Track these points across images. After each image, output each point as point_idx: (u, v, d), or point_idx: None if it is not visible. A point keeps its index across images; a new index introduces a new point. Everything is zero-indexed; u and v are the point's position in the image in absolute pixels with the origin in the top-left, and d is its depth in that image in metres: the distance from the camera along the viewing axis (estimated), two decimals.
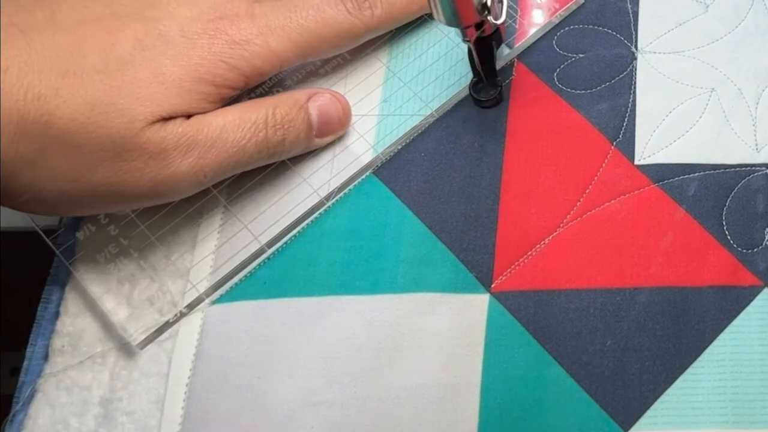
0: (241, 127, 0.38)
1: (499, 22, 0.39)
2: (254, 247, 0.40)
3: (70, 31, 0.36)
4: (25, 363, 0.40)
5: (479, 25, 0.39)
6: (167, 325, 0.39)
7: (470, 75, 0.43)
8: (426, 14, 0.45)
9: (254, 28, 0.39)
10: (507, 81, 0.43)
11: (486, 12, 0.39)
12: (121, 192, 0.37)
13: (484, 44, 0.41)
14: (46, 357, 0.40)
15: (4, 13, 0.36)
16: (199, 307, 0.40)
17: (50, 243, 0.41)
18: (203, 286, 0.40)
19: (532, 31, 0.44)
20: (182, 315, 0.40)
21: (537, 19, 0.44)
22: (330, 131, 0.42)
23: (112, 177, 0.36)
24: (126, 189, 0.37)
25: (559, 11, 0.44)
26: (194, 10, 0.38)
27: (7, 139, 0.34)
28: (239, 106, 0.39)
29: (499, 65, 0.43)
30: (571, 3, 0.45)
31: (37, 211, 0.38)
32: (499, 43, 0.42)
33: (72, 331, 0.40)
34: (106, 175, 0.36)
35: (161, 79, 0.37)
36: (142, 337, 0.39)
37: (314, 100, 0.41)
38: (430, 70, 0.44)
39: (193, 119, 0.38)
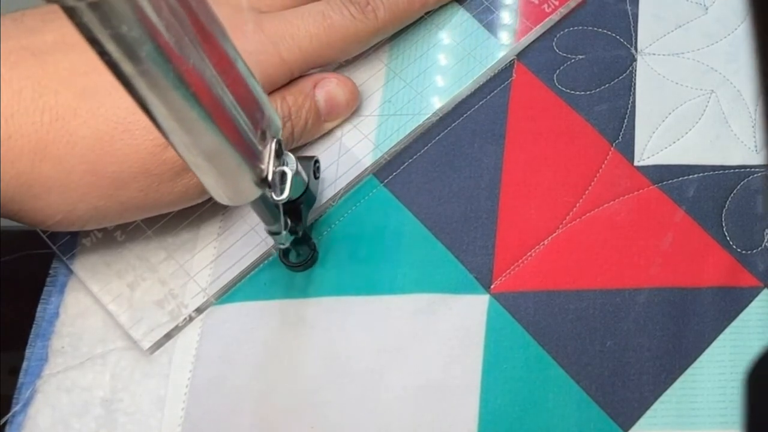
0: None
1: (281, 198, 0.34)
2: (261, 249, 0.40)
3: (83, 51, 0.36)
4: (25, 364, 0.40)
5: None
6: (177, 329, 0.39)
7: (471, 74, 0.43)
8: (426, 14, 0.45)
9: (265, 38, 0.39)
10: (499, 88, 0.43)
11: (267, 186, 0.33)
12: (154, 203, 0.37)
13: (290, 210, 0.38)
14: (45, 358, 0.40)
15: (14, 37, 0.36)
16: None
17: (57, 251, 0.41)
18: (212, 290, 0.40)
19: (532, 28, 0.44)
20: (191, 319, 0.40)
21: (537, 16, 0.44)
22: (338, 115, 0.42)
23: (144, 190, 0.37)
24: (158, 200, 0.37)
25: (559, 8, 0.44)
26: None
27: (27, 161, 0.35)
28: None
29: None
30: (570, 0, 0.45)
31: (70, 229, 0.38)
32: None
33: (72, 332, 0.40)
34: (139, 189, 0.36)
35: None
36: (152, 342, 0.39)
37: (321, 87, 0.41)
38: (432, 70, 0.44)
39: None
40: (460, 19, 0.45)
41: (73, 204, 0.36)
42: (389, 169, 0.42)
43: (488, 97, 0.43)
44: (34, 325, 0.40)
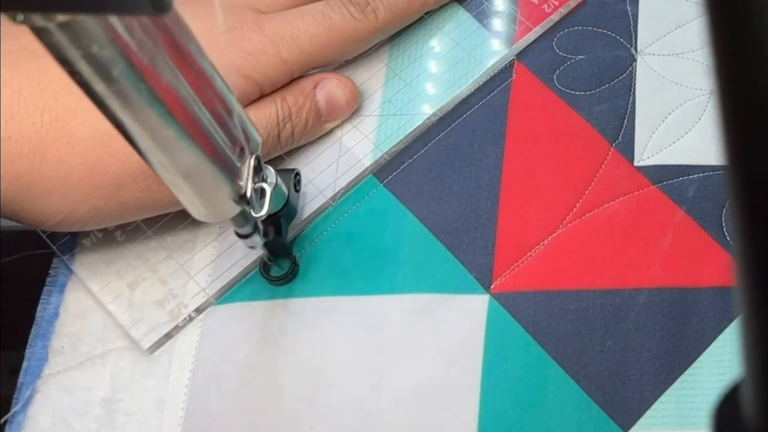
0: (258, 126, 0.39)
1: (260, 214, 0.34)
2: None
3: None
4: (25, 364, 0.40)
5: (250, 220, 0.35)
6: (177, 329, 0.39)
7: (471, 74, 0.43)
8: (426, 14, 0.45)
9: (265, 38, 0.39)
10: (499, 88, 0.43)
11: (245, 203, 0.33)
12: (154, 203, 0.37)
13: (268, 225, 0.37)
14: (45, 358, 0.40)
15: (14, 37, 0.36)
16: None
17: (57, 251, 0.41)
18: (212, 290, 0.40)
19: (532, 29, 0.44)
20: (191, 319, 0.40)
21: (537, 16, 0.44)
22: (338, 115, 0.42)
23: (144, 191, 0.37)
24: (159, 200, 0.37)
25: (559, 8, 0.44)
26: (204, 23, 0.38)
27: (27, 162, 0.35)
28: (251, 104, 0.39)
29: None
30: (570, 0, 0.45)
31: (71, 230, 0.38)
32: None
33: (72, 332, 0.40)
34: (139, 189, 0.36)
35: None
36: (152, 341, 0.39)
37: (321, 87, 0.41)
38: (432, 70, 0.44)
39: None
40: (460, 19, 0.45)
41: (73, 205, 0.36)
42: (389, 169, 0.42)
43: (488, 97, 0.43)
44: (34, 325, 0.40)
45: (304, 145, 0.42)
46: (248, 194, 0.33)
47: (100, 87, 0.25)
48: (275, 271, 0.40)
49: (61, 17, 0.22)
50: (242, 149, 0.33)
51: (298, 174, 0.39)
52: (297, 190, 0.39)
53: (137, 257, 0.41)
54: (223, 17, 0.39)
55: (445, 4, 0.45)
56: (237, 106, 0.32)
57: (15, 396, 0.39)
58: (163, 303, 0.40)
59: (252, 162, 0.33)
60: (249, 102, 0.39)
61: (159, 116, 0.27)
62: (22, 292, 0.41)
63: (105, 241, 0.41)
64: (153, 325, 0.39)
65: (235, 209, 0.33)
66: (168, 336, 0.39)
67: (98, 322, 0.40)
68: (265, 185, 0.34)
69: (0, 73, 0.35)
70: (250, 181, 0.33)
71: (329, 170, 0.42)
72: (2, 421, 0.38)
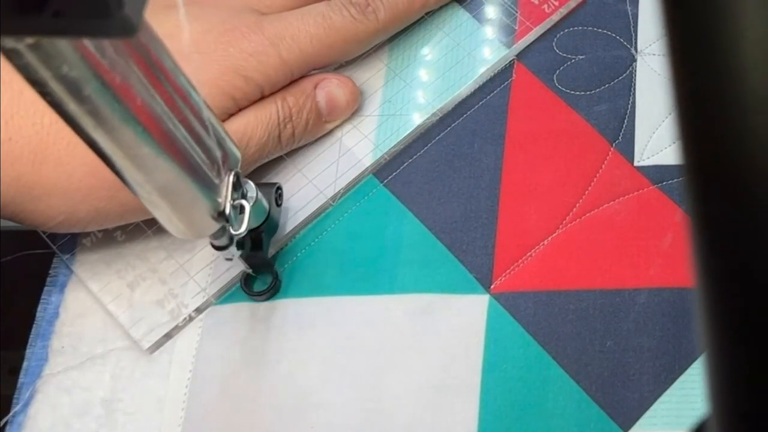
0: (259, 126, 0.39)
1: (239, 231, 0.34)
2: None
3: None
4: (25, 364, 0.40)
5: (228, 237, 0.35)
6: (176, 329, 0.39)
7: (471, 74, 0.43)
8: (426, 14, 0.45)
9: (265, 39, 0.39)
10: (499, 88, 0.43)
11: (224, 220, 0.33)
12: None
13: (249, 240, 0.37)
14: (45, 358, 0.40)
15: None
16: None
17: (57, 251, 0.41)
18: (212, 289, 0.40)
19: (532, 29, 0.44)
20: (191, 319, 0.40)
21: (537, 16, 0.44)
22: (338, 115, 0.42)
23: None
24: None
25: (559, 9, 0.44)
26: (205, 25, 0.38)
27: (28, 163, 0.35)
28: (251, 105, 0.39)
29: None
30: (570, 1, 0.45)
31: (72, 231, 0.38)
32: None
33: (72, 332, 0.40)
34: None
35: None
36: (152, 341, 0.39)
37: (321, 87, 0.41)
38: (432, 70, 0.44)
39: None
40: (460, 19, 0.45)
41: (74, 206, 0.36)
42: (389, 169, 0.42)
43: (488, 97, 0.43)
44: (34, 325, 0.40)
45: (304, 146, 0.42)
46: (227, 211, 0.33)
47: (71, 107, 0.25)
48: (257, 286, 0.40)
49: (30, 38, 0.22)
50: (221, 166, 0.33)
51: (279, 188, 0.39)
52: (278, 205, 0.39)
53: (137, 257, 0.41)
54: (224, 19, 0.39)
55: (445, 5, 0.45)
56: (215, 122, 0.32)
57: (15, 396, 0.39)
58: (163, 303, 0.40)
59: (231, 178, 0.33)
60: (249, 103, 0.39)
61: (134, 134, 0.27)
62: (22, 292, 0.41)
63: (105, 241, 0.41)
64: (153, 325, 0.39)
65: (214, 226, 0.33)
66: (168, 336, 0.39)
67: (98, 322, 0.40)
68: (244, 202, 0.34)
69: (0, 75, 0.35)
70: (228, 197, 0.33)
71: (329, 170, 0.42)
72: (3, 421, 0.38)
